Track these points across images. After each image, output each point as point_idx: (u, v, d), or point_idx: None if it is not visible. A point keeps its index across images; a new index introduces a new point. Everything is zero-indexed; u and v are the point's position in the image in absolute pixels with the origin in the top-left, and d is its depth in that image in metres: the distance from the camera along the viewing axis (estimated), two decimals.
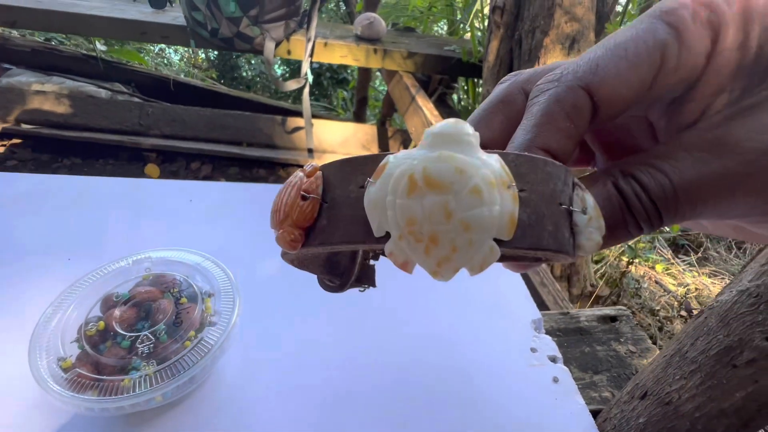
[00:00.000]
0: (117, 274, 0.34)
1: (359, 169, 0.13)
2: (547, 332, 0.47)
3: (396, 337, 0.42)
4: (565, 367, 0.42)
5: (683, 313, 1.56)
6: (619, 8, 1.02)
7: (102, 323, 0.30)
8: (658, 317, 1.58)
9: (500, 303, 0.48)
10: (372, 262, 0.21)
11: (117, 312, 0.30)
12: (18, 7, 1.34)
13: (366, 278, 0.21)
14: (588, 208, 0.13)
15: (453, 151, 0.12)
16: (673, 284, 1.66)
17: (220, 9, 1.28)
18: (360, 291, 0.21)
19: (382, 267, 0.21)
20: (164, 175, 1.75)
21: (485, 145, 0.17)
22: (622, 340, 0.49)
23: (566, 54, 0.89)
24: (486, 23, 1.40)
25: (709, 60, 0.13)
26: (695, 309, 1.42)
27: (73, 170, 1.71)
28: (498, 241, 0.12)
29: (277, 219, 0.14)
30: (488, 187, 0.11)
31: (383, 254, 0.18)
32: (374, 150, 1.84)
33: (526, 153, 0.13)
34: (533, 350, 0.44)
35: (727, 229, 0.17)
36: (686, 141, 0.14)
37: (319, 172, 0.14)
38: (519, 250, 0.12)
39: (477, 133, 0.12)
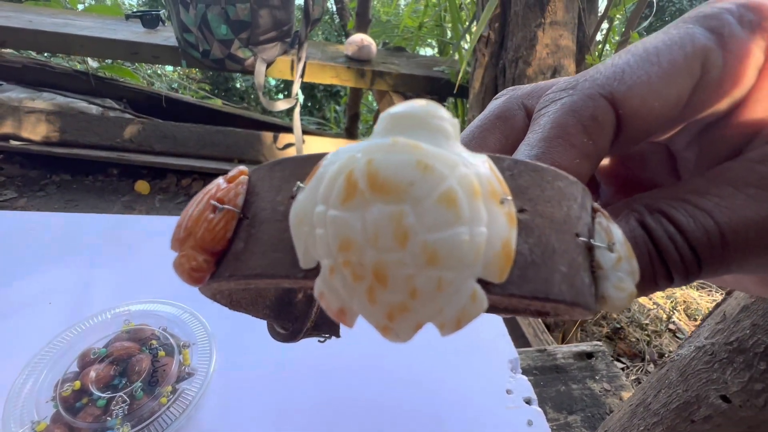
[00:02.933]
0: (95, 329, 0.35)
1: (296, 172, 0.10)
2: (524, 371, 0.48)
3: (370, 378, 0.43)
4: (539, 410, 0.43)
5: (671, 326, 1.58)
6: (599, 37, 1.05)
7: (78, 383, 0.31)
8: (647, 331, 1.60)
9: (477, 342, 0.49)
10: None
11: (93, 373, 0.31)
12: (8, 27, 1.34)
13: (327, 325, 0.17)
14: (616, 244, 0.09)
15: (416, 139, 0.08)
16: (662, 296, 1.68)
17: (212, 31, 1.30)
18: (320, 341, 0.17)
19: None
20: (154, 191, 1.75)
21: None
22: (597, 377, 0.50)
23: None
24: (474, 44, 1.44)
25: (762, 75, 0.11)
26: (666, 354, 1.43)
27: (62, 187, 1.70)
28: (483, 283, 0.08)
29: (176, 238, 0.10)
30: (469, 195, 0.08)
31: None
32: None
33: (531, 161, 0.09)
34: (509, 392, 0.44)
35: (750, 285, 0.15)
36: (734, 174, 0.11)
37: (243, 177, 0.11)
38: (517, 298, 0.08)
39: (456, 121, 0.09)
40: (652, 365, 1.35)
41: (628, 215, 0.11)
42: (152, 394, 0.31)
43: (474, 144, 0.14)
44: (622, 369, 1.27)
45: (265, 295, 0.15)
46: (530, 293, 0.08)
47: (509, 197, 0.08)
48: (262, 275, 0.09)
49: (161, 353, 0.34)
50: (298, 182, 0.09)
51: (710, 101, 0.11)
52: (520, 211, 0.09)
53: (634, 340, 1.52)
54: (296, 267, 0.09)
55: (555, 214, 0.09)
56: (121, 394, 0.30)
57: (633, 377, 1.22)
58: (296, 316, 0.16)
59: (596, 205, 0.10)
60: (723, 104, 0.11)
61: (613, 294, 0.09)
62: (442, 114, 0.09)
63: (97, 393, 0.30)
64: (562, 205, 0.09)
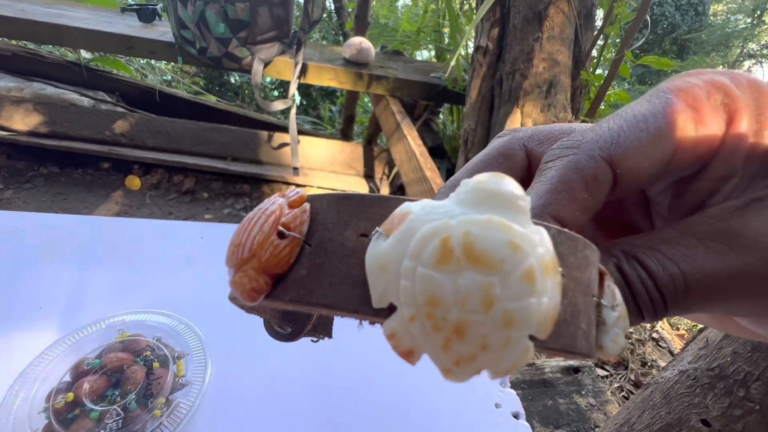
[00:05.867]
0: (88, 339, 0.34)
1: (363, 211, 0.11)
2: (513, 385, 0.49)
3: (362, 391, 0.43)
4: (526, 424, 0.44)
5: (654, 335, 1.62)
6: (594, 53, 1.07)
7: (71, 395, 0.30)
8: (630, 340, 1.63)
9: None
10: None
11: (86, 384, 0.31)
12: (0, 16, 1.31)
13: (322, 327, 0.18)
14: (618, 305, 0.11)
15: (505, 217, 0.09)
16: None
17: (210, 29, 1.29)
18: (313, 341, 0.18)
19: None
20: (145, 187, 1.73)
21: None
22: (583, 392, 0.51)
23: (544, 97, 0.93)
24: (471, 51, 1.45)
25: (723, 141, 0.13)
26: (646, 377, 1.47)
27: (50, 179, 1.67)
28: (531, 338, 0.09)
29: (238, 256, 0.11)
30: (542, 272, 0.09)
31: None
32: (359, 169, 1.86)
33: (568, 231, 0.11)
34: (497, 406, 0.45)
35: (725, 325, 0.16)
36: (698, 228, 0.13)
37: (306, 204, 0.11)
38: (550, 351, 0.10)
39: (529, 198, 0.10)
40: (633, 375, 1.38)
41: (608, 260, 0.13)
42: (146, 407, 0.31)
43: None
44: (605, 377, 1.29)
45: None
46: (561, 347, 0.10)
47: (560, 269, 0.10)
48: (331, 306, 0.10)
49: (156, 364, 0.34)
50: (378, 228, 0.10)
51: (685, 161, 0.13)
52: (562, 276, 0.10)
53: None
54: (367, 304, 0.10)
55: (582, 278, 0.10)
56: (115, 407, 0.30)
57: (616, 385, 1.25)
58: (297, 318, 0.17)
59: (603, 267, 0.12)
60: (695, 164, 0.14)
61: (610, 346, 0.11)
62: (520, 193, 0.10)
63: (90, 405, 0.30)
64: (587, 270, 0.11)
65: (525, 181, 0.16)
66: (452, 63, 1.18)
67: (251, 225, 0.11)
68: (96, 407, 0.30)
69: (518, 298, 0.09)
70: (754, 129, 0.13)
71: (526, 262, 0.09)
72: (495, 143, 0.16)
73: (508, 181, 0.10)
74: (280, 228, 0.11)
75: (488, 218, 0.09)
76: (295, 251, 0.11)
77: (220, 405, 0.38)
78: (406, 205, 0.10)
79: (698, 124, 0.13)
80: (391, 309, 0.10)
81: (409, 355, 0.10)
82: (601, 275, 0.11)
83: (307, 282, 0.10)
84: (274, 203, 0.11)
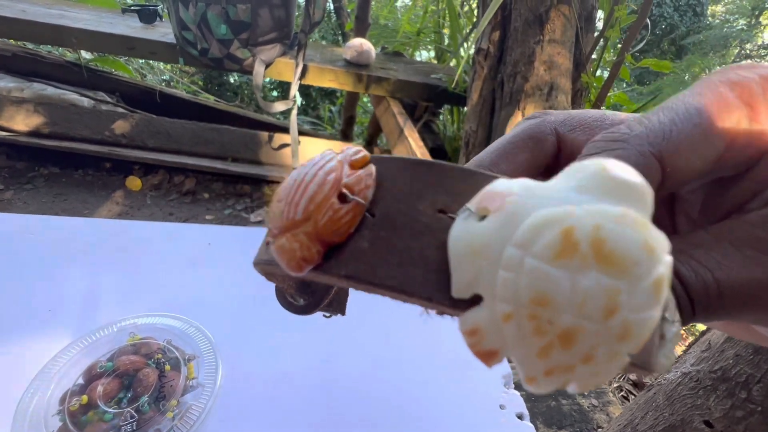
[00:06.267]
0: (100, 342, 0.35)
1: (443, 183, 0.09)
2: (516, 385, 0.49)
3: (369, 392, 0.44)
4: (530, 425, 0.45)
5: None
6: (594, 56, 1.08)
7: (85, 397, 0.31)
8: None
9: (471, 357, 0.50)
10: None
11: (100, 387, 0.31)
12: (1, 17, 1.31)
13: (337, 304, 0.16)
14: (677, 321, 0.10)
15: (639, 212, 0.08)
16: None
17: (211, 30, 1.29)
18: (325, 317, 0.17)
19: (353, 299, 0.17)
20: (146, 188, 1.73)
21: None
22: (585, 393, 0.52)
23: (545, 100, 0.94)
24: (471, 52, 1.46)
25: None
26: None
27: (50, 180, 1.67)
28: None
29: (289, 217, 0.09)
30: (667, 281, 0.08)
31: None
32: None
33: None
34: (502, 407, 0.46)
35: (740, 331, 0.16)
36: (735, 234, 0.12)
37: (372, 166, 0.10)
38: (632, 368, 0.09)
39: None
40: (633, 375, 1.39)
41: None
42: (159, 410, 0.32)
43: (504, 159, 0.14)
44: None
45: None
46: (641, 363, 0.09)
47: None
48: (398, 289, 0.09)
49: (167, 367, 0.34)
50: (468, 206, 0.09)
51: (734, 159, 0.12)
52: None
53: None
54: (443, 292, 0.09)
55: None
56: (128, 409, 0.31)
57: (615, 384, 1.26)
58: (315, 290, 0.15)
59: None
60: (742, 163, 0.13)
61: (663, 361, 0.10)
62: (651, 191, 0.09)
63: (103, 407, 0.31)
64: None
65: (552, 168, 0.15)
66: (459, 70, 1.18)
67: (306, 182, 0.09)
68: (109, 409, 0.31)
69: (642, 309, 0.08)
70: None
71: (658, 270, 0.08)
72: (524, 125, 0.15)
73: (634, 170, 0.09)
74: (343, 190, 0.09)
75: (623, 212, 0.08)
76: (356, 219, 0.09)
77: (232, 406, 0.38)
78: (502, 183, 0.09)
79: (752, 122, 0.12)
80: (474, 301, 0.08)
81: (490, 357, 0.09)
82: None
83: (369, 257, 0.09)
84: (332, 159, 0.10)
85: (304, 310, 0.15)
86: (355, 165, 0.10)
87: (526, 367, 0.08)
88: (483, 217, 0.08)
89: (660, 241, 0.08)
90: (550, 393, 0.51)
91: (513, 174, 0.14)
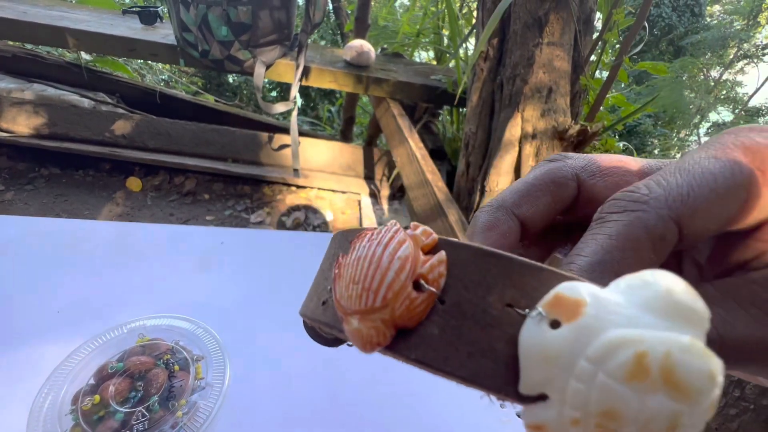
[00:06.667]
0: (110, 343, 0.36)
1: (511, 276, 0.10)
2: None
3: (373, 391, 0.45)
4: None
5: None
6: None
7: (97, 397, 0.32)
8: None
9: None
10: None
11: (112, 387, 0.32)
12: (1, 18, 1.32)
13: None
14: None
15: (695, 337, 0.09)
16: None
17: (212, 32, 1.30)
18: (349, 346, 0.18)
19: None
20: (146, 188, 1.73)
21: (523, 223, 0.15)
22: None
23: (544, 102, 0.95)
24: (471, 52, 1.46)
25: None
26: None
27: (51, 180, 1.68)
28: None
29: (365, 302, 0.10)
30: (715, 404, 0.09)
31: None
32: (359, 171, 1.87)
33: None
34: (503, 406, 0.47)
35: (741, 374, 0.17)
36: (740, 292, 0.13)
37: (443, 254, 0.10)
38: None
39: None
40: None
41: None
42: (168, 409, 0.33)
43: (526, 201, 0.15)
44: None
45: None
46: None
47: None
48: (468, 380, 0.09)
49: (176, 367, 0.35)
50: (539, 308, 0.09)
51: (744, 219, 0.13)
52: None
53: None
54: (511, 386, 0.09)
55: None
56: (140, 409, 0.31)
57: None
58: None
59: None
60: (751, 222, 0.13)
61: None
62: (709, 318, 0.09)
63: (115, 407, 0.32)
64: None
65: (571, 212, 0.16)
66: (462, 81, 1.19)
67: (383, 266, 0.10)
68: (121, 409, 0.32)
69: (697, 426, 0.09)
70: None
71: (715, 393, 0.09)
72: (545, 167, 0.16)
73: (697, 294, 0.09)
74: (420, 280, 0.10)
75: (692, 342, 0.09)
76: (429, 307, 0.10)
77: (240, 406, 0.39)
78: (572, 288, 0.09)
79: (764, 187, 0.13)
80: (540, 398, 0.09)
81: None
82: None
83: (439, 345, 0.10)
84: (403, 241, 0.10)
85: (334, 343, 0.15)
86: (427, 249, 0.10)
87: None
88: (554, 322, 0.09)
89: (719, 368, 0.09)
90: None
91: (534, 215, 0.15)
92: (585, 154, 0.17)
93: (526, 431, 0.10)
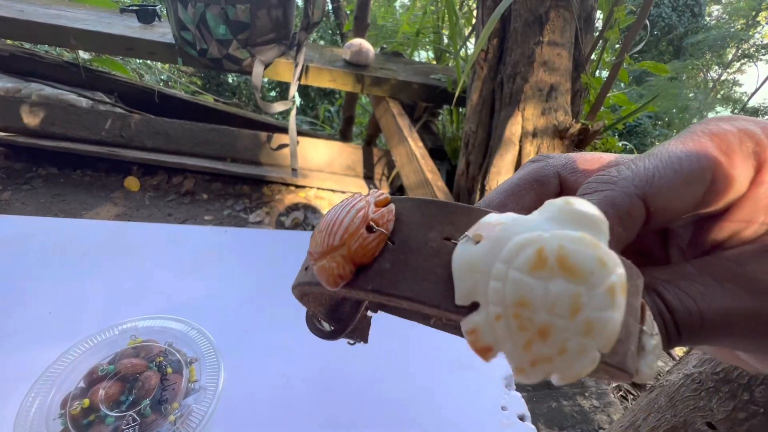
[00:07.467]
0: (101, 345, 0.35)
1: (447, 217, 0.12)
2: (517, 387, 0.49)
3: (371, 394, 0.44)
4: (532, 426, 0.45)
5: None
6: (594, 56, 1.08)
7: (87, 401, 0.31)
8: None
9: (473, 358, 0.50)
10: (369, 313, 0.19)
11: (102, 390, 0.31)
12: None
13: (360, 331, 0.19)
14: (655, 334, 0.12)
15: (592, 236, 0.10)
16: None
17: (210, 31, 1.29)
18: (349, 344, 0.19)
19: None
20: (144, 188, 1.72)
21: None
22: (586, 394, 0.52)
23: (544, 101, 0.94)
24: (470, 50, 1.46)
25: (751, 187, 0.14)
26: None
27: (49, 180, 1.67)
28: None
29: (327, 243, 0.12)
30: (621, 290, 0.10)
31: (441, 324, 0.17)
32: (358, 171, 1.86)
33: (628, 261, 0.12)
34: (503, 408, 0.46)
35: (727, 356, 0.18)
36: (715, 269, 0.14)
37: (392, 205, 0.13)
38: (604, 366, 0.11)
39: (608, 223, 0.11)
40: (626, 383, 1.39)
41: None
42: (160, 413, 0.32)
43: (512, 199, 0.16)
44: None
45: (325, 296, 0.17)
46: (616, 364, 0.11)
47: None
48: (413, 299, 0.11)
49: (169, 370, 0.34)
50: (467, 233, 0.11)
51: (714, 201, 0.14)
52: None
53: None
54: (449, 301, 0.11)
55: (635, 304, 0.12)
56: (131, 413, 0.30)
57: (614, 384, 1.26)
58: (341, 318, 0.17)
59: (643, 301, 0.12)
60: (721, 204, 0.14)
61: (645, 371, 0.12)
62: (605, 220, 0.11)
63: (105, 411, 0.31)
64: (637, 298, 0.12)
65: None
66: (464, 78, 1.18)
67: (341, 217, 0.12)
68: (111, 413, 0.31)
69: (601, 309, 0.10)
70: None
71: (610, 278, 0.10)
72: (529, 168, 0.17)
73: (592, 207, 0.11)
74: (370, 223, 0.12)
75: (581, 235, 0.10)
76: (380, 245, 0.12)
77: (234, 409, 0.38)
78: (493, 216, 0.11)
79: (729, 170, 0.14)
80: (472, 307, 0.10)
81: (486, 352, 0.11)
82: (642, 305, 0.12)
83: (390, 275, 0.11)
84: (361, 200, 0.12)
85: (331, 336, 0.17)
86: (379, 204, 0.12)
87: (515, 359, 0.10)
88: (478, 242, 0.11)
89: (611, 256, 0.10)
90: (551, 395, 0.51)
91: (520, 213, 0.16)
92: (565, 154, 0.18)
93: (466, 338, 0.11)
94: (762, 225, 0.14)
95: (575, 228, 0.10)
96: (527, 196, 0.16)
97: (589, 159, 0.17)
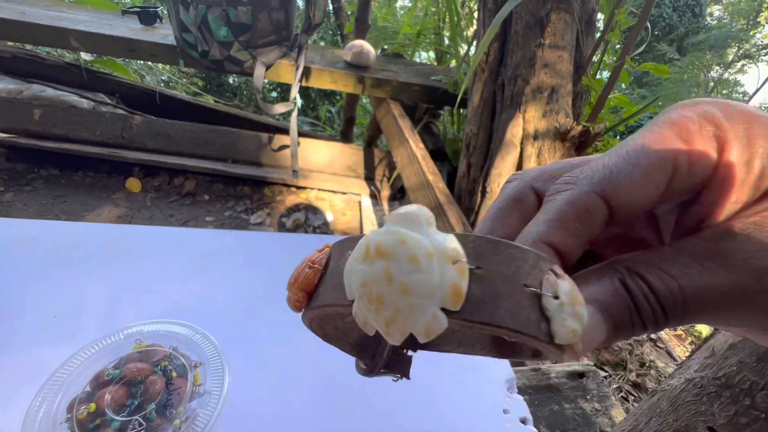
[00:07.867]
0: (107, 349, 0.35)
1: (346, 246, 0.15)
2: (519, 390, 0.49)
3: (373, 398, 0.44)
4: (534, 429, 0.45)
5: (652, 336, 1.63)
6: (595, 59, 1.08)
7: (93, 405, 0.31)
8: (629, 340, 1.65)
9: (475, 361, 0.50)
10: (410, 353, 0.21)
11: (108, 395, 0.31)
12: (0, 18, 1.31)
13: (399, 367, 0.21)
14: (561, 294, 0.13)
15: (406, 228, 0.13)
16: None
17: (212, 32, 1.29)
18: (393, 380, 0.21)
19: None
20: (146, 189, 1.73)
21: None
22: (588, 397, 0.52)
23: (545, 103, 0.94)
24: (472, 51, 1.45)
25: (714, 170, 0.14)
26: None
27: (50, 182, 1.67)
28: (447, 312, 0.12)
29: (290, 282, 0.17)
30: (426, 257, 0.12)
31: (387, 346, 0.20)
32: (359, 172, 1.86)
33: (489, 236, 0.13)
34: (505, 411, 0.46)
35: (739, 332, 0.18)
36: (693, 248, 0.14)
37: (328, 249, 0.17)
38: (472, 323, 0.12)
39: (432, 216, 0.14)
40: (633, 375, 1.39)
41: (612, 275, 0.14)
42: (166, 417, 0.32)
43: (498, 223, 0.18)
44: (605, 377, 1.31)
45: (349, 335, 0.20)
46: (479, 320, 0.12)
47: (464, 259, 0.13)
48: (327, 305, 0.15)
49: (174, 374, 0.34)
50: (349, 251, 0.15)
51: (681, 188, 0.15)
52: (477, 268, 0.13)
53: (617, 348, 1.56)
54: (345, 299, 0.14)
55: (504, 270, 0.13)
56: (137, 417, 0.31)
57: (615, 386, 1.26)
58: (372, 354, 0.20)
59: (556, 267, 0.13)
60: (689, 191, 0.15)
61: (559, 330, 0.12)
62: (424, 214, 0.14)
63: (111, 415, 0.31)
64: (511, 265, 0.13)
65: None
66: (465, 80, 1.18)
67: (300, 265, 0.17)
68: (117, 417, 0.31)
69: (408, 273, 0.12)
70: (745, 158, 0.14)
71: (411, 251, 0.13)
72: (506, 190, 0.18)
73: (416, 207, 0.14)
74: (309, 263, 0.16)
75: (389, 228, 0.13)
76: (317, 276, 0.16)
77: (239, 413, 0.38)
78: (362, 236, 0.15)
79: (690, 156, 0.14)
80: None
81: (366, 326, 0.14)
82: (556, 274, 0.13)
83: (324, 293, 0.16)
84: (313, 252, 0.17)
85: (367, 372, 0.20)
86: (321, 250, 0.17)
87: (378, 325, 0.13)
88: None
89: (411, 236, 0.13)
90: (551, 396, 0.51)
91: (508, 234, 0.17)
92: (538, 166, 0.19)
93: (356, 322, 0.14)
94: (734, 204, 0.14)
95: (403, 226, 0.13)
96: (511, 216, 0.17)
97: (561, 165, 0.17)
